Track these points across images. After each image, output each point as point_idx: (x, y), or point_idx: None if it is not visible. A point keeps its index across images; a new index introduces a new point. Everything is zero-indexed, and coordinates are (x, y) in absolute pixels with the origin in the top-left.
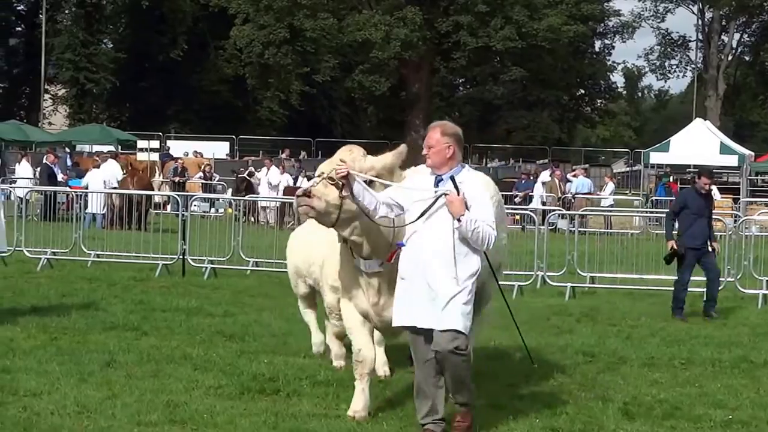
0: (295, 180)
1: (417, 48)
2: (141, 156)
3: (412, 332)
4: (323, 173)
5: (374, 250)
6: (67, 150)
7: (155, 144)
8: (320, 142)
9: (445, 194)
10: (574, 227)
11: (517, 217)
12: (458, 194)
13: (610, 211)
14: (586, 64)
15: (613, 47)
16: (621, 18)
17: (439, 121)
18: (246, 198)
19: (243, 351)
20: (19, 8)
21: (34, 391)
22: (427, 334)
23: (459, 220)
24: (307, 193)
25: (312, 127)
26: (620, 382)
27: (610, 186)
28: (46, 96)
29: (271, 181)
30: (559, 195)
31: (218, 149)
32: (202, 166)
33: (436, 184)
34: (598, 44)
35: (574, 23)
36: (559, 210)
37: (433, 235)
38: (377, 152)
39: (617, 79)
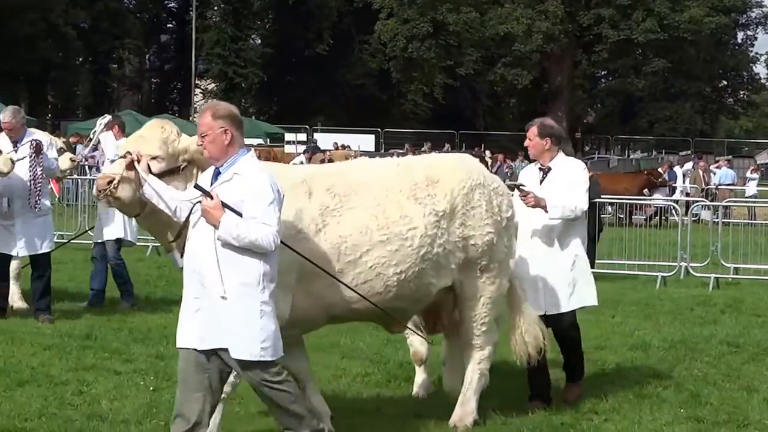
0: None
1: (559, 41)
2: (288, 149)
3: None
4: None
5: (180, 245)
6: None
7: (302, 137)
8: (463, 135)
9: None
10: (717, 218)
11: (654, 208)
12: (211, 198)
13: (754, 202)
14: (728, 55)
15: (756, 38)
16: (763, 9)
17: (211, 101)
18: None
19: (389, 339)
20: (170, 5)
21: None
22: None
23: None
24: (110, 184)
25: (455, 119)
26: (765, 372)
27: (755, 177)
28: (197, 90)
29: None
30: (703, 186)
31: (364, 142)
32: (349, 159)
33: (215, 178)
34: (740, 35)
35: (716, 15)
36: (703, 201)
37: (198, 244)
38: (520, 144)
39: (760, 70)
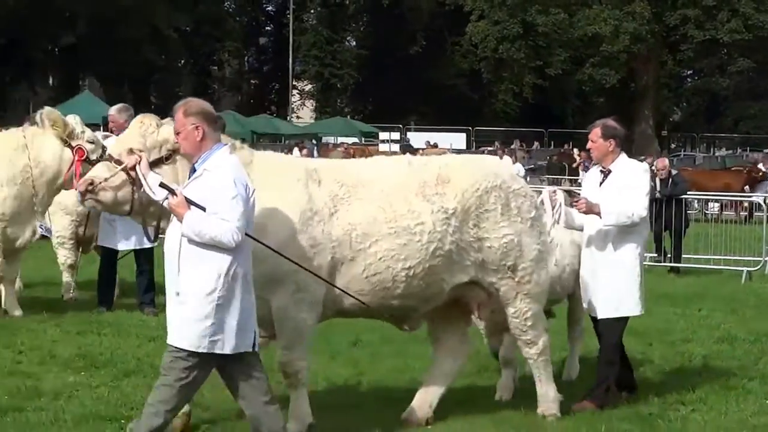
0: (531, 170)
1: (645, 41)
2: (382, 147)
3: None
4: (110, 156)
5: None
6: (314, 142)
7: (396, 136)
8: (552, 133)
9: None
10: None
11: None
12: (175, 195)
13: None
14: None
15: None
16: None
17: (186, 99)
18: None
19: (480, 332)
20: (268, 9)
21: None
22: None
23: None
24: (91, 187)
25: (544, 118)
26: None
27: None
28: (294, 91)
29: None
30: None
31: (455, 140)
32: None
33: (191, 174)
34: None
35: None
36: None
37: (170, 240)
38: None
39: None
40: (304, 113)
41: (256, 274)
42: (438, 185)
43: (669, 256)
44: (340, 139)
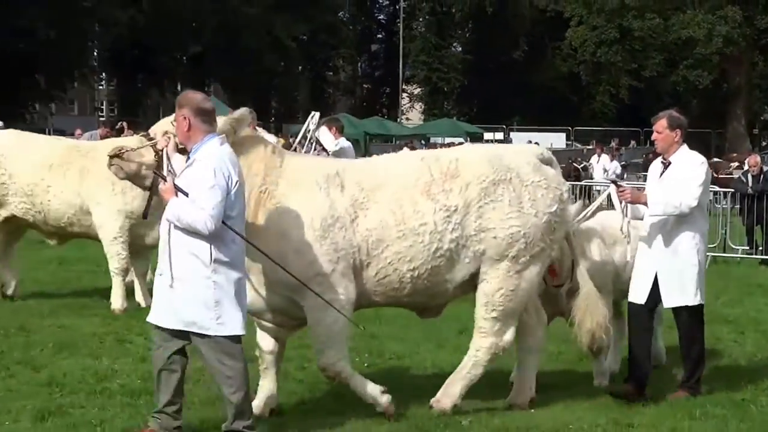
0: (623, 167)
1: (737, 44)
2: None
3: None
4: (146, 134)
5: None
6: (422, 142)
7: (499, 135)
8: (647, 132)
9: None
10: None
11: None
12: (165, 181)
13: None
14: None
15: None
16: None
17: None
18: (575, 183)
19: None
20: (380, 17)
21: (399, 354)
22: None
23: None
24: (119, 154)
25: (639, 118)
26: None
27: None
28: (404, 95)
29: (604, 167)
30: None
31: (555, 140)
32: None
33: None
34: None
35: None
36: None
37: (162, 225)
38: (700, 141)
39: None
40: (413, 115)
41: (285, 278)
42: (446, 181)
43: (761, 249)
44: (447, 140)
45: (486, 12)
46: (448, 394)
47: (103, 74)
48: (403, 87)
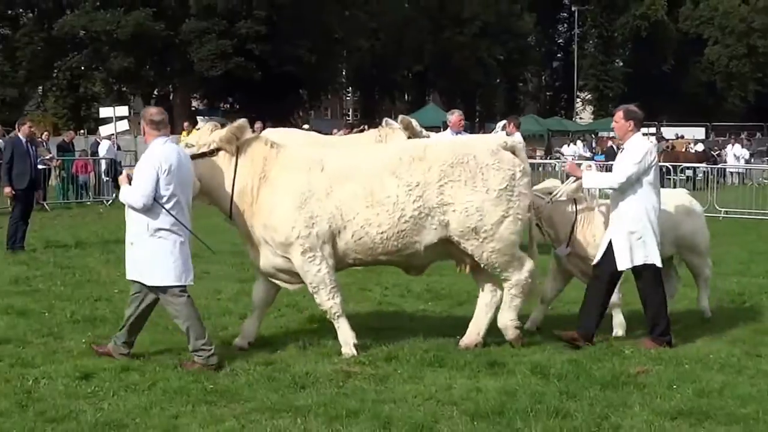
0: (751, 154)
1: None
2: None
3: None
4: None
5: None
6: (592, 135)
7: (653, 130)
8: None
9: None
10: None
11: None
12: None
13: None
14: None
15: None
16: None
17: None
18: (713, 166)
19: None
20: (559, 41)
21: (574, 299)
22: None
23: None
24: None
25: (763, 116)
26: None
27: None
28: (578, 99)
29: (735, 153)
30: None
31: (697, 133)
32: (685, 147)
33: None
34: None
35: None
36: None
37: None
38: None
39: None
40: (585, 115)
41: (276, 241)
42: (412, 163)
43: None
44: (612, 134)
45: (641, 35)
46: (507, 326)
47: (350, 88)
48: (577, 94)
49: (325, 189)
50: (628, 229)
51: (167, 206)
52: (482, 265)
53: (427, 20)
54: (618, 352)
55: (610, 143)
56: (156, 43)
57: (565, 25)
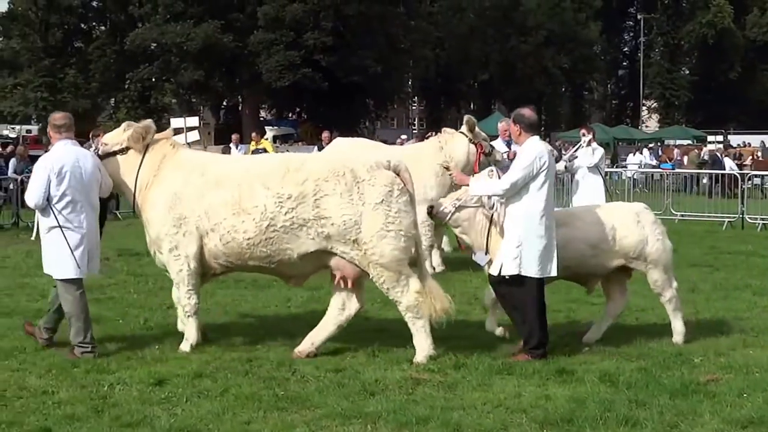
0: None
1: None
2: (710, 146)
3: None
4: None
5: None
6: (659, 144)
7: (720, 138)
8: None
9: None
10: None
11: None
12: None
13: None
14: None
15: None
16: None
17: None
18: None
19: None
20: (624, 50)
21: (642, 307)
22: None
23: None
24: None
25: None
26: None
27: None
28: (643, 108)
29: None
30: None
31: (766, 139)
32: (752, 154)
33: None
34: None
35: None
36: None
37: None
38: None
39: None
40: (651, 123)
41: (151, 236)
42: (286, 175)
43: None
44: (678, 142)
45: (708, 43)
46: (422, 350)
47: (415, 98)
48: (643, 102)
49: (197, 193)
50: (506, 237)
51: (58, 206)
52: (373, 279)
53: (492, 29)
54: (687, 360)
55: (676, 151)
56: (225, 55)
57: (631, 34)
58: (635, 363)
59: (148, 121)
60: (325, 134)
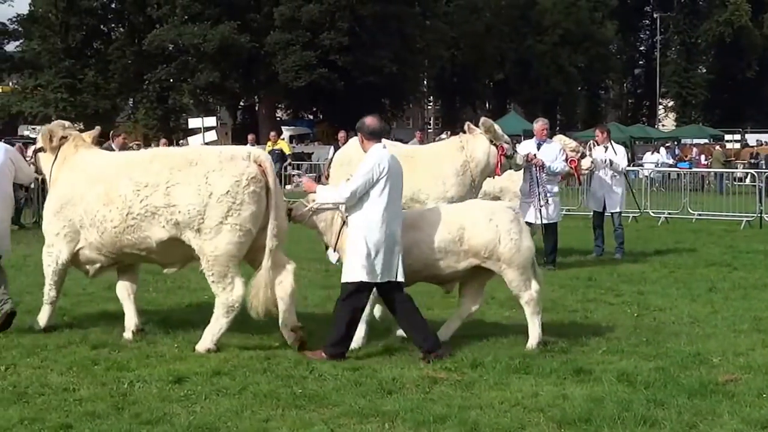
0: None
1: None
2: (728, 146)
3: None
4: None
5: None
6: (675, 143)
7: (737, 137)
8: None
9: None
10: None
11: None
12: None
13: None
14: None
15: None
16: None
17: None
18: None
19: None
20: (641, 48)
21: (660, 307)
22: None
23: None
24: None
25: None
26: None
27: None
28: (660, 107)
29: None
30: None
31: None
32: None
33: None
34: None
35: None
36: None
37: None
38: None
39: None
40: (667, 122)
41: (43, 228)
42: (147, 165)
43: None
44: (695, 140)
45: (725, 42)
46: (205, 341)
47: (431, 97)
48: (660, 101)
49: (79, 195)
50: (350, 244)
51: None
52: (203, 270)
53: (507, 29)
54: (706, 360)
55: (694, 150)
56: (241, 56)
57: (647, 32)
58: (653, 363)
59: (57, 122)
60: (342, 134)
